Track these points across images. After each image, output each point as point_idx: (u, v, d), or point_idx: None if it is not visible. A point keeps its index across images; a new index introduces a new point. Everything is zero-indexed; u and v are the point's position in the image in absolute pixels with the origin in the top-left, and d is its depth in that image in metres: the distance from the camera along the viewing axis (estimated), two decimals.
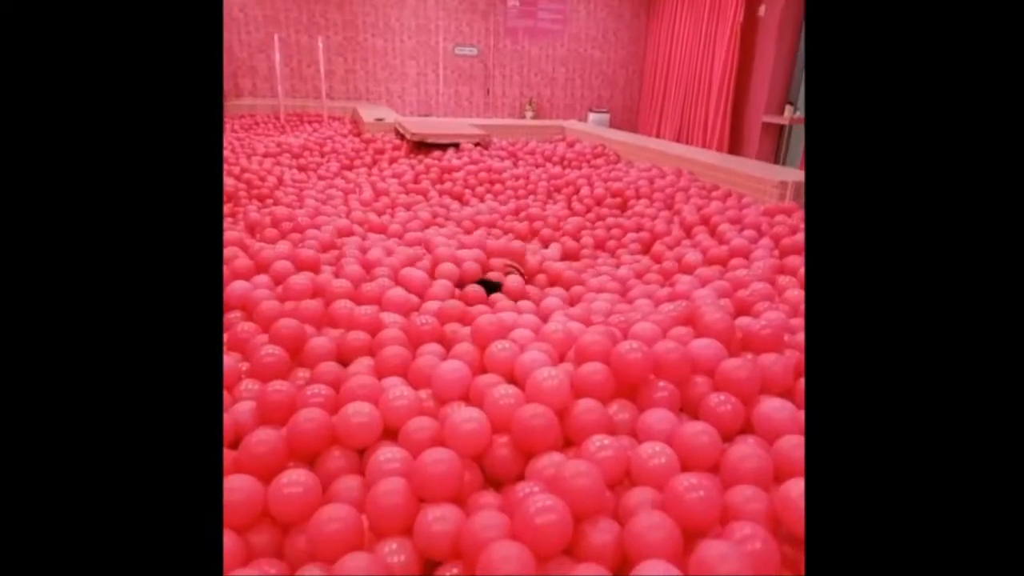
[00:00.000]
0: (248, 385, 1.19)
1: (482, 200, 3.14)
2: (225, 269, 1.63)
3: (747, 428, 1.05)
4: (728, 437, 1.01)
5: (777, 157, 5.98)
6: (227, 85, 6.40)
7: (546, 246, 2.50)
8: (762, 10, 5.84)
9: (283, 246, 1.91)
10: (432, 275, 1.82)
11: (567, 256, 2.41)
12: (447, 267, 1.87)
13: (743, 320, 1.36)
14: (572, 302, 1.87)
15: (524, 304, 1.75)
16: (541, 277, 2.13)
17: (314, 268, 1.71)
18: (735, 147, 6.16)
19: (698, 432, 0.93)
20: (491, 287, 1.89)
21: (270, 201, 2.78)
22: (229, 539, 0.81)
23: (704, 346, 1.18)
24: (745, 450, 0.89)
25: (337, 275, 1.66)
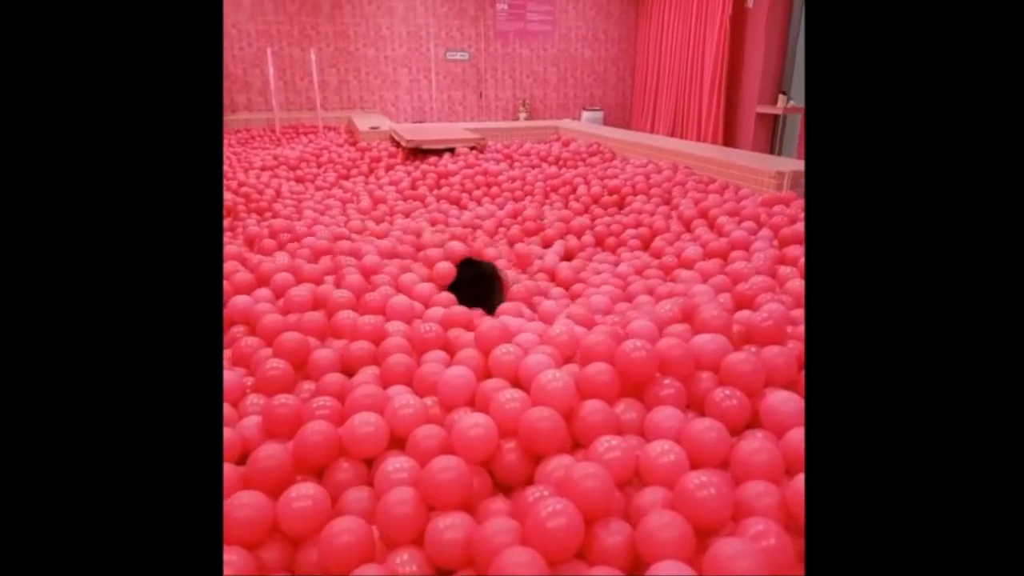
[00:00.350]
0: (253, 399, 1.19)
1: (479, 203, 3.14)
2: (226, 284, 1.63)
3: (754, 422, 1.05)
4: (735, 432, 1.00)
5: (772, 147, 5.98)
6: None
7: (546, 245, 2.50)
8: (750, 1, 5.84)
9: (282, 257, 1.91)
10: (431, 279, 1.82)
11: (567, 255, 2.41)
12: (444, 266, 1.86)
13: (744, 313, 1.36)
14: (572, 300, 1.87)
15: (525, 309, 1.75)
16: (541, 275, 2.13)
17: (315, 280, 1.71)
18: (730, 139, 6.16)
19: (706, 428, 0.93)
20: (483, 273, 1.87)
21: (269, 214, 2.79)
22: (239, 556, 0.81)
23: (707, 341, 1.17)
24: (754, 444, 0.89)
25: (338, 285, 1.66)
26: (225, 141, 5.16)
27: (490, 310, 1.77)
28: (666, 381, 1.08)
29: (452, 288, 1.84)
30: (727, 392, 1.04)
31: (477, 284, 1.86)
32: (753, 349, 1.18)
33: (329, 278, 1.75)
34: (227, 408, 1.15)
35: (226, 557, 0.80)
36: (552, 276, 2.14)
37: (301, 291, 1.57)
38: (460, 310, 1.51)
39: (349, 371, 1.28)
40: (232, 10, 6.53)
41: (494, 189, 3.32)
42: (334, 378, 1.21)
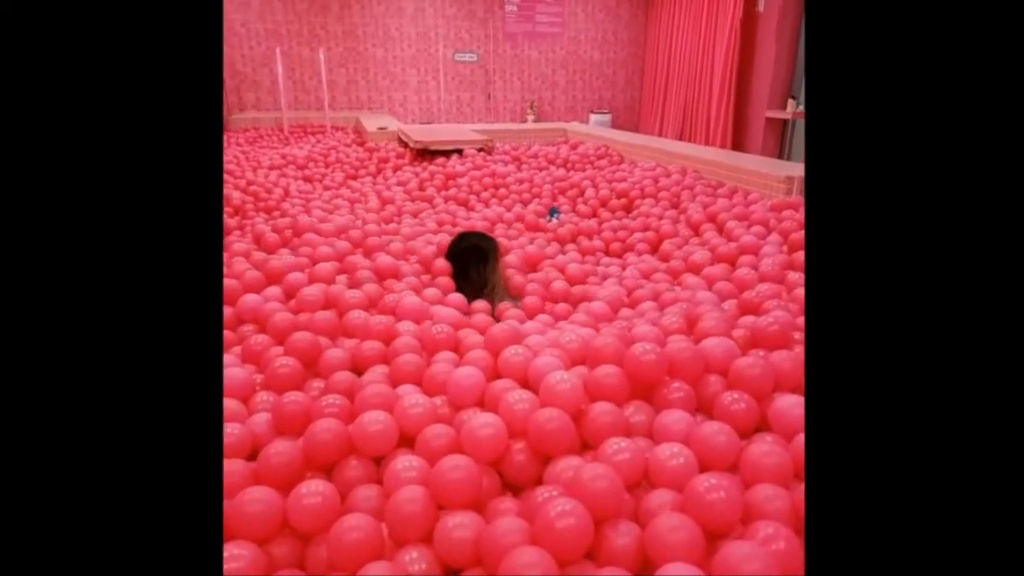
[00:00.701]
0: (263, 396, 1.19)
1: (487, 205, 3.14)
2: (236, 282, 1.64)
3: (763, 426, 1.05)
4: (744, 435, 1.00)
5: (781, 152, 5.96)
6: (231, 99, 6.46)
7: (552, 243, 2.50)
8: (761, 5, 5.83)
9: (287, 256, 1.91)
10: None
11: (575, 259, 2.41)
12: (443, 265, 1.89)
13: (749, 318, 1.36)
14: (575, 303, 1.88)
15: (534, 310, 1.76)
16: (549, 269, 2.14)
17: (327, 279, 1.72)
18: (738, 143, 6.15)
19: (715, 432, 0.93)
20: (478, 246, 1.90)
21: (277, 213, 2.80)
22: (251, 551, 0.81)
23: (715, 345, 1.17)
24: (764, 448, 0.89)
25: (352, 286, 1.67)
26: (234, 140, 5.19)
27: (485, 282, 1.80)
28: (675, 384, 1.08)
29: (448, 261, 1.88)
30: (736, 396, 1.04)
31: (472, 256, 1.88)
32: (761, 353, 1.18)
33: (341, 278, 1.76)
34: (237, 404, 1.16)
35: (236, 551, 0.81)
36: (560, 274, 2.14)
37: (313, 291, 1.58)
38: (462, 304, 1.52)
39: (358, 370, 1.29)
40: (241, 9, 6.57)
41: (502, 191, 3.33)
42: (343, 376, 1.22)
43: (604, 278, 2.13)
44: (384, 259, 1.88)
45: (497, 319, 1.69)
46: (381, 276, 1.80)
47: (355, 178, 3.75)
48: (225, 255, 2.04)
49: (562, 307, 1.87)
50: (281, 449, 0.97)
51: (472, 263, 1.86)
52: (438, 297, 1.70)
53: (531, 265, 2.19)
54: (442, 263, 1.88)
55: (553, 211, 2.75)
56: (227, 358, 1.31)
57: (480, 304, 1.72)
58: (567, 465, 0.91)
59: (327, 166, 3.94)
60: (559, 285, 1.97)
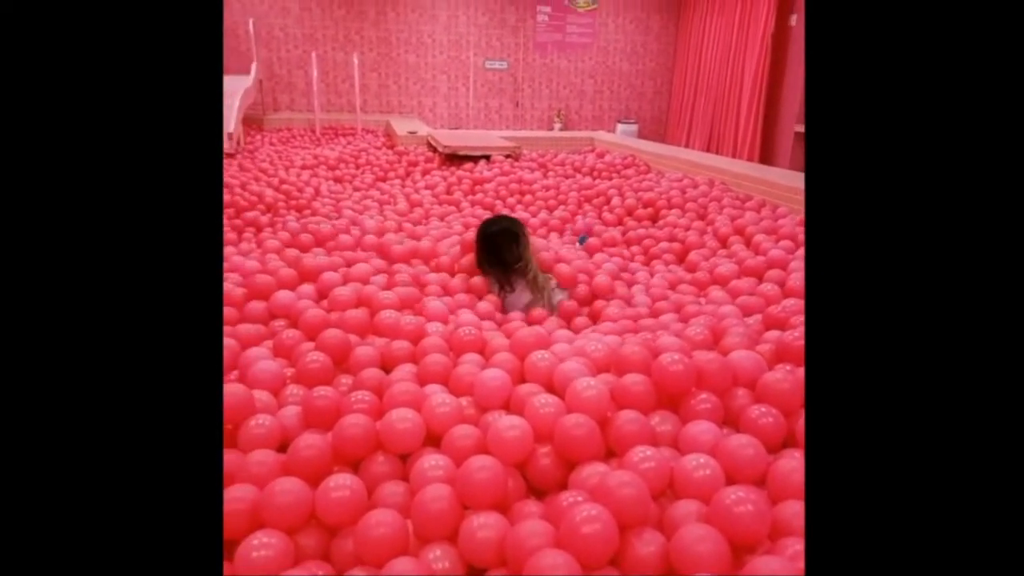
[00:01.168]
0: (293, 390, 1.22)
1: (513, 211, 3.16)
2: (270, 278, 1.68)
3: (789, 441, 1.03)
4: (771, 450, 0.99)
5: None
6: (266, 100, 6.64)
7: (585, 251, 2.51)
8: (793, 19, 5.78)
9: (321, 255, 1.96)
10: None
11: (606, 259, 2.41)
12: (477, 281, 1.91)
13: (774, 333, 1.34)
14: (595, 316, 1.88)
15: (556, 318, 1.77)
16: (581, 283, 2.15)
17: (362, 279, 1.76)
18: (767, 157, 6.08)
19: (743, 444, 0.92)
20: (506, 228, 1.96)
21: (308, 212, 2.87)
22: (280, 540, 0.83)
23: (743, 357, 1.16)
24: (792, 464, 0.88)
25: (389, 287, 1.71)
26: (267, 139, 5.32)
27: (518, 258, 1.88)
28: (702, 395, 1.08)
29: (478, 247, 1.95)
30: (764, 409, 1.03)
31: (502, 238, 1.95)
32: (788, 368, 1.17)
33: (376, 278, 1.79)
34: (268, 396, 1.19)
35: (266, 540, 0.83)
36: (589, 282, 2.14)
37: (345, 291, 1.61)
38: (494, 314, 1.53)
39: (387, 368, 1.31)
40: (282, 14, 6.76)
41: (528, 197, 3.35)
42: (372, 373, 1.24)
43: (631, 284, 2.12)
44: (432, 276, 1.92)
45: (536, 319, 1.72)
46: (421, 284, 1.83)
47: (384, 180, 3.82)
48: (258, 251, 2.09)
49: (581, 320, 1.87)
50: (311, 442, 0.99)
51: (503, 244, 1.93)
52: (489, 312, 1.74)
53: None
54: (478, 280, 1.90)
55: (582, 239, 2.78)
56: (259, 351, 1.34)
57: (516, 313, 1.74)
58: (592, 471, 0.91)
59: (357, 167, 4.02)
60: (601, 280, 1.99)
